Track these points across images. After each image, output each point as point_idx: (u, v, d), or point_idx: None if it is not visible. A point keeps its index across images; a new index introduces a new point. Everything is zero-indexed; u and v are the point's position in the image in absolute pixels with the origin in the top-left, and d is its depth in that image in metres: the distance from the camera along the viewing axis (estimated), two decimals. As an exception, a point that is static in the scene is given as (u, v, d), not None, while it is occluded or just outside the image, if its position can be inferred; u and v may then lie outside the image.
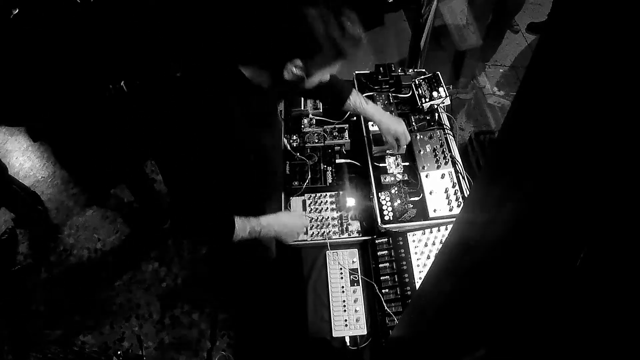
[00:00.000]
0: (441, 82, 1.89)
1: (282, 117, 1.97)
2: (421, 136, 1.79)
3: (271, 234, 1.40)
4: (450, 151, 1.75)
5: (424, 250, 1.57)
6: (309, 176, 1.79)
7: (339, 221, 1.71)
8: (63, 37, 1.90)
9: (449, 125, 1.85)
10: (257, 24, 1.05)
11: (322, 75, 1.17)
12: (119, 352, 1.91)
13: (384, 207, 1.63)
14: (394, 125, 1.63)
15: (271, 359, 2.20)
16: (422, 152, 1.74)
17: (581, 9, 0.31)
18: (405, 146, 1.70)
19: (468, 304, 0.57)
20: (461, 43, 2.94)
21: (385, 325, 1.49)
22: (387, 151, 1.75)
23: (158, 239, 2.85)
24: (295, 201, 1.74)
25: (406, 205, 1.62)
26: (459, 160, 1.73)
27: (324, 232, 1.68)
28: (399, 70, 2.00)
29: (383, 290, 1.55)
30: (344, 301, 1.57)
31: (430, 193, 1.64)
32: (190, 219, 1.26)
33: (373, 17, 3.87)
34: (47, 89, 2.00)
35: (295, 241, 1.67)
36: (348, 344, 1.51)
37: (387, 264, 1.59)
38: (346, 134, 1.87)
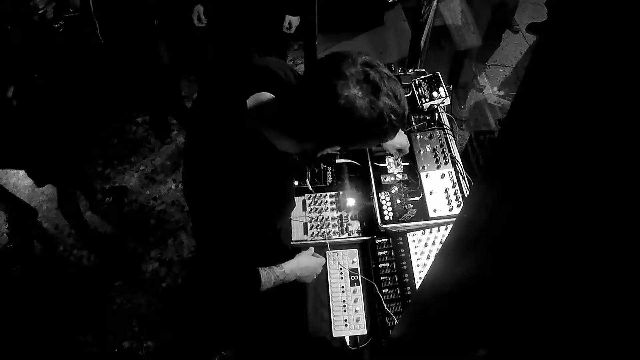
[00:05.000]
0: (441, 82, 1.89)
1: None
2: (421, 136, 1.79)
3: (293, 279, 1.42)
4: (450, 151, 1.75)
5: (424, 250, 1.57)
6: (309, 176, 1.79)
7: (339, 221, 1.71)
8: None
9: (449, 125, 1.85)
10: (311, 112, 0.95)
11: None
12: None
13: (384, 207, 1.63)
14: (398, 139, 1.65)
15: (271, 359, 2.20)
16: (422, 152, 1.74)
17: (581, 9, 0.31)
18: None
19: (468, 304, 0.57)
20: (461, 43, 2.94)
21: (385, 325, 1.49)
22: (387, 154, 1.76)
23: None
24: (296, 201, 1.74)
25: (406, 205, 1.62)
26: (459, 160, 1.73)
27: (324, 232, 1.69)
28: (399, 70, 2.00)
29: (383, 290, 1.55)
30: (344, 301, 1.57)
31: (430, 193, 1.64)
32: (218, 275, 1.23)
33: (373, 17, 3.87)
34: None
35: (296, 241, 1.68)
36: (348, 344, 1.51)
37: (387, 264, 1.59)
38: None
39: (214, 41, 2.90)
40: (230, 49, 2.87)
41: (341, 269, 1.63)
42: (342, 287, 1.60)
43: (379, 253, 1.62)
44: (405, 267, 1.56)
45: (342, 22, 3.65)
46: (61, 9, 2.02)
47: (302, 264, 1.45)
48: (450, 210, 1.61)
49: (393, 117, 0.92)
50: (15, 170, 3.18)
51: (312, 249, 1.56)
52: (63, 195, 2.61)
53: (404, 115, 0.96)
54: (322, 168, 1.81)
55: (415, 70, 2.06)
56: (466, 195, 1.64)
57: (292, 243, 1.67)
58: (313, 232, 1.69)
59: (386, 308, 1.50)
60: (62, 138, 2.31)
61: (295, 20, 2.65)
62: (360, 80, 0.89)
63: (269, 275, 1.30)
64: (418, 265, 1.55)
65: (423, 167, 1.71)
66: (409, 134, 1.77)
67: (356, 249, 1.68)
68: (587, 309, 0.38)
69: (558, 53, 0.34)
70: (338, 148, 0.99)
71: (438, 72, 1.93)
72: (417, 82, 1.91)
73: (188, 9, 2.65)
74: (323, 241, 1.66)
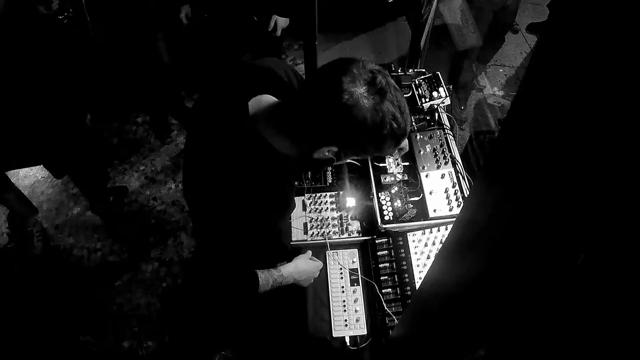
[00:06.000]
0: (441, 82, 1.89)
1: None
2: (421, 136, 1.79)
3: (290, 282, 1.42)
4: (450, 151, 1.75)
5: (424, 250, 1.57)
6: (309, 176, 1.79)
7: (339, 221, 1.71)
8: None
9: (449, 125, 1.85)
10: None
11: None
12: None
13: (384, 207, 1.63)
14: None
15: (271, 359, 2.20)
16: (422, 152, 1.74)
17: (581, 9, 0.31)
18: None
19: (468, 304, 0.57)
20: (461, 43, 2.94)
21: (385, 325, 1.49)
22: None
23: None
24: (295, 201, 1.74)
25: (406, 205, 1.62)
26: (459, 160, 1.73)
27: (324, 232, 1.69)
28: (399, 70, 2.00)
29: (383, 290, 1.55)
30: (344, 301, 1.57)
31: (430, 193, 1.64)
32: (216, 277, 1.23)
33: (373, 17, 3.86)
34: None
35: (296, 241, 1.68)
36: (348, 344, 1.51)
37: (387, 264, 1.59)
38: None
39: (205, 41, 2.89)
40: (221, 49, 2.87)
41: (341, 269, 1.63)
42: (342, 287, 1.60)
43: (379, 253, 1.61)
44: (405, 267, 1.56)
45: (342, 22, 3.65)
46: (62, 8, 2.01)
47: (299, 268, 1.45)
48: (450, 210, 1.61)
49: (394, 124, 0.93)
50: (15, 170, 3.18)
51: (309, 252, 1.56)
52: (94, 195, 2.66)
53: (405, 128, 0.97)
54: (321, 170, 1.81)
55: (415, 70, 2.06)
56: (466, 195, 1.64)
57: (292, 243, 1.67)
58: (313, 232, 1.69)
59: (386, 308, 1.50)
60: (73, 126, 2.30)
61: (282, 21, 2.59)
62: (367, 81, 0.90)
63: (267, 278, 1.30)
64: (418, 265, 1.55)
65: (423, 167, 1.71)
66: (409, 133, 1.77)
67: (356, 249, 1.68)
68: (586, 308, 0.38)
69: (558, 53, 0.34)
70: (335, 149, 0.98)
71: (438, 72, 1.93)
72: (417, 82, 1.91)
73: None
74: (323, 241, 1.66)
